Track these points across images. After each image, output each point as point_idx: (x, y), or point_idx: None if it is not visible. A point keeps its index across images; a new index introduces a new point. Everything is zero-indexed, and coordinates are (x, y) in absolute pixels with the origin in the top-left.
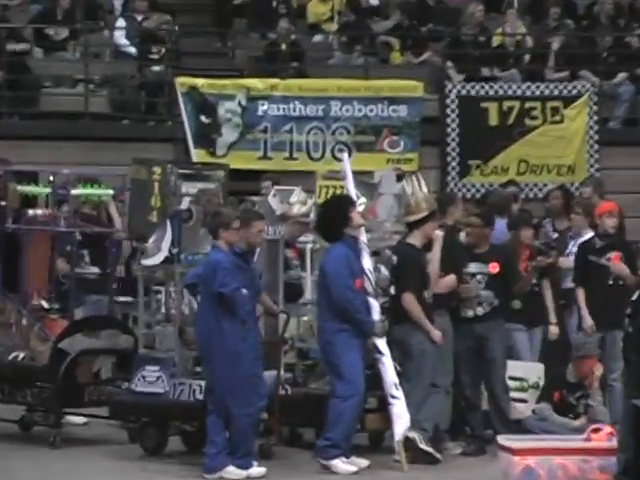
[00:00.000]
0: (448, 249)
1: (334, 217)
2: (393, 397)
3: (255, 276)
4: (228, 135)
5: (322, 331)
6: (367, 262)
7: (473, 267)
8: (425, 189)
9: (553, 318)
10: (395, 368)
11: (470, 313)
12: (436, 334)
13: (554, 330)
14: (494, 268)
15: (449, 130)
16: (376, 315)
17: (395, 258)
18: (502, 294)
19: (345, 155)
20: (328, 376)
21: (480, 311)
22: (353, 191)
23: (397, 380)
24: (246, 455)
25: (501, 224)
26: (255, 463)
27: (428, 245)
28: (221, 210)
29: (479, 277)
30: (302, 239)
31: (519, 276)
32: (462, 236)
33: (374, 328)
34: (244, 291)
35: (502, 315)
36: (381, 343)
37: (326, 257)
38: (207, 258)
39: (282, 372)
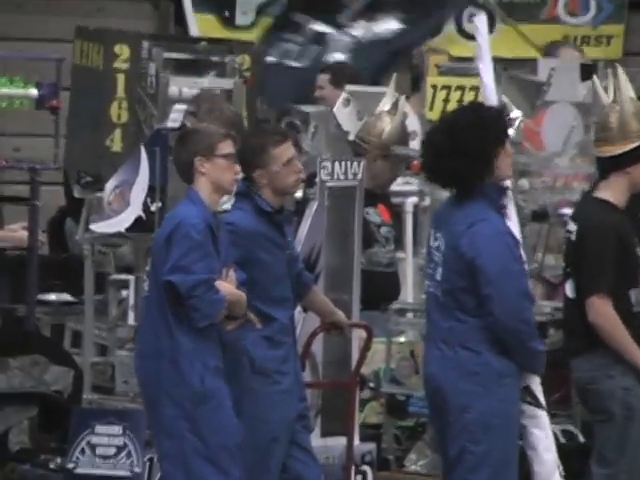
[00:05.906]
0: None
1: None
2: None
3: (295, 258)
4: None
5: (452, 368)
6: (514, 227)
7: None
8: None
9: None
10: (567, 437)
11: None
12: None
13: None
14: None
15: None
16: None
17: (575, 227)
18: None
19: (480, 19)
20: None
21: None
22: (494, 95)
23: (558, 461)
24: None
25: None
26: None
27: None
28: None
29: None
30: (398, 188)
31: None
32: None
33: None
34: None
35: None
36: (537, 387)
37: (477, 234)
38: (169, 215)
39: (357, 440)
